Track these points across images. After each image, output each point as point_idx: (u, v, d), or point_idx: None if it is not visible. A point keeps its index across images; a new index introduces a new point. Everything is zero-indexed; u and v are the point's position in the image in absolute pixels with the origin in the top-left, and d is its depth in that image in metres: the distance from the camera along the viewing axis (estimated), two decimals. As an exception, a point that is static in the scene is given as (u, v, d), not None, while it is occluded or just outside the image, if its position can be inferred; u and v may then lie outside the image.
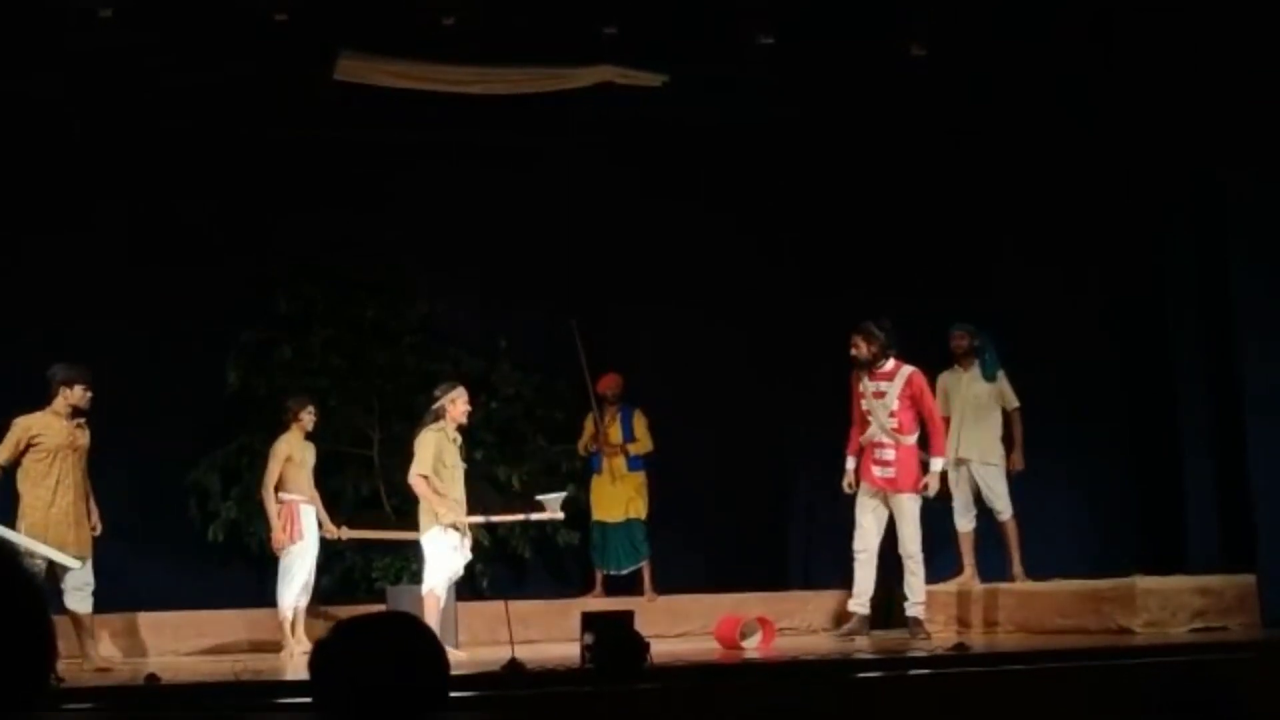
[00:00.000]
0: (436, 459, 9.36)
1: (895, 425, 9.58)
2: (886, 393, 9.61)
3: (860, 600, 9.65)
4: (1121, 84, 10.21)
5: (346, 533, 10.22)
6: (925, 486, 9.50)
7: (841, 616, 10.10)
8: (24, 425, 8.94)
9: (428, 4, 9.37)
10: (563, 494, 9.98)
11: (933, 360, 10.69)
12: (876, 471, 9.60)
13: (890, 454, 9.57)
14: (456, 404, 9.49)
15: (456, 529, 9.34)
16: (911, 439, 9.59)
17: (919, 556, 9.53)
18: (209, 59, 9.74)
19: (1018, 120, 10.68)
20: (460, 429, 9.59)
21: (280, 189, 11.20)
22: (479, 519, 9.52)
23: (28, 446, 8.91)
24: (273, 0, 9.15)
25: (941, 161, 11.16)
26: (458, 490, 9.52)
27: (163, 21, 9.29)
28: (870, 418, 9.64)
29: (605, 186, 11.80)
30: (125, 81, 9.98)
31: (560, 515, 9.86)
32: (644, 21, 9.67)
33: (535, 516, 9.91)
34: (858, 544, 9.62)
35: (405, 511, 9.96)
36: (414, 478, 9.38)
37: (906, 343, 11.31)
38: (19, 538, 8.67)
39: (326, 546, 10.16)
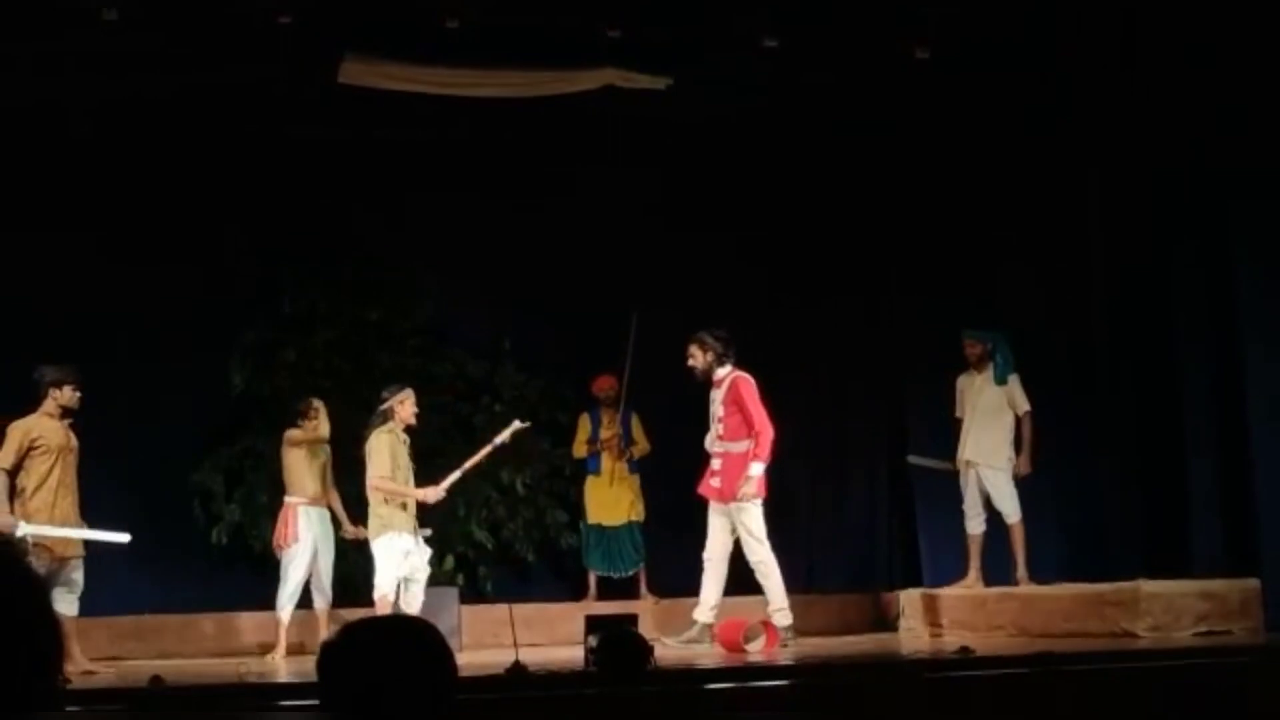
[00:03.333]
0: (392, 460, 9.35)
1: (720, 432, 9.46)
2: (716, 400, 9.52)
3: (703, 609, 9.48)
4: (1122, 85, 10.19)
5: (364, 532, 10.16)
6: (741, 495, 9.27)
7: (848, 620, 10.00)
8: (23, 429, 8.77)
9: (431, 7, 9.37)
10: (516, 423, 9.87)
11: (934, 361, 10.68)
12: (711, 481, 9.50)
13: (718, 463, 9.46)
14: (405, 405, 9.47)
15: (403, 535, 9.31)
16: (738, 446, 9.37)
17: (768, 561, 9.33)
18: (212, 61, 9.74)
19: (1018, 120, 10.67)
20: (408, 430, 9.56)
21: (283, 190, 11.21)
22: (455, 474, 9.56)
23: (29, 450, 8.76)
24: (276, 3, 9.15)
25: (941, 162, 11.15)
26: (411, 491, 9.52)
27: (166, 23, 9.29)
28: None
29: (607, 187, 11.79)
30: (127, 82, 9.97)
31: (521, 424, 9.78)
32: (647, 24, 9.67)
33: (499, 439, 9.78)
34: (705, 552, 9.51)
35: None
36: (376, 481, 9.34)
37: (907, 343, 11.35)
38: (60, 530, 8.63)
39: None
